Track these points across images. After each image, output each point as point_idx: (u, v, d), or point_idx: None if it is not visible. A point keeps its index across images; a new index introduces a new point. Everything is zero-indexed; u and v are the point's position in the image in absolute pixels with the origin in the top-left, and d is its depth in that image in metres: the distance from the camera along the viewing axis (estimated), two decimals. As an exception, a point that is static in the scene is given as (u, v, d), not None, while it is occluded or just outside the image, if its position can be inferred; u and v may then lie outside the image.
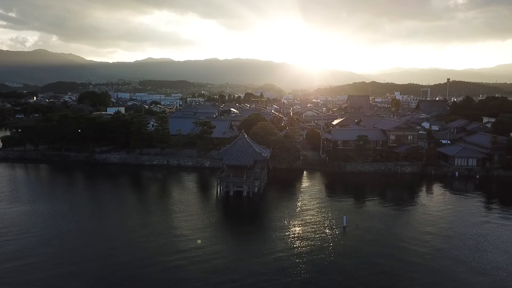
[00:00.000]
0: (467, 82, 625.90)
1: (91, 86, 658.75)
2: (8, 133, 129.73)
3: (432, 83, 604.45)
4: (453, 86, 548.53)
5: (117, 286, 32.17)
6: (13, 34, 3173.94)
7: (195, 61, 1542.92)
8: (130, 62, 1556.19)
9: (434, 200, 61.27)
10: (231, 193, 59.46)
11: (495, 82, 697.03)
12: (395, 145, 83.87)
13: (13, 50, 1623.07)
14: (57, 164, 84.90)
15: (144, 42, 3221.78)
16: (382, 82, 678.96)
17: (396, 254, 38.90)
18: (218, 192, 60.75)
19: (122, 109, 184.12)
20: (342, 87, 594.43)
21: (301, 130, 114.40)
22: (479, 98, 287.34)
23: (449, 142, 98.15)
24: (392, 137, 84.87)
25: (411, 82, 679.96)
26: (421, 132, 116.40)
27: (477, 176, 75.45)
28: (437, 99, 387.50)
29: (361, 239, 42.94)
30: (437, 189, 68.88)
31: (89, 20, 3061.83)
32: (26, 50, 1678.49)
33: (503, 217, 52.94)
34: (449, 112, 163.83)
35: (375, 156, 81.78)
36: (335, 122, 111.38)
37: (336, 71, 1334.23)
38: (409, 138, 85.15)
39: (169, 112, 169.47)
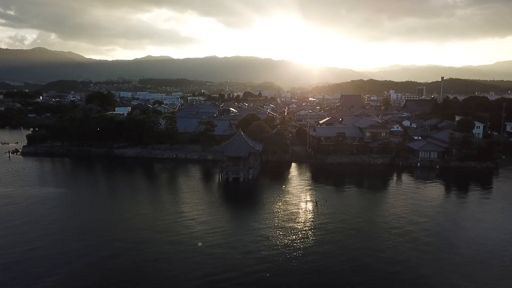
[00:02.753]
0: (464, 79, 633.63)
1: (91, 84, 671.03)
2: (25, 131, 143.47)
3: (430, 80, 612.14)
4: (450, 83, 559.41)
5: (139, 243, 46.40)
6: (11, 32, 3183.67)
7: (194, 59, 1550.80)
8: (129, 60, 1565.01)
9: (395, 184, 76.01)
10: (230, 179, 74.02)
11: (493, 79, 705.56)
12: (370, 140, 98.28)
13: (12, 48, 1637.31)
14: (81, 158, 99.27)
15: (143, 40, 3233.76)
16: (381, 79, 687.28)
17: (345, 217, 53.38)
18: (220, 178, 75.37)
19: (129, 109, 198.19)
20: (340, 85, 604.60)
21: (293, 128, 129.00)
22: (464, 96, 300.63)
23: (420, 138, 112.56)
24: (368, 134, 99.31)
25: (409, 80, 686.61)
26: (399, 129, 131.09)
27: (437, 167, 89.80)
28: (432, 96, 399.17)
29: (326, 209, 57.34)
30: (400, 176, 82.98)
31: (88, 18, 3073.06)
32: (25, 49, 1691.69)
33: (444, 195, 67.43)
34: (431, 111, 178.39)
35: (352, 150, 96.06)
36: (322, 121, 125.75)
37: (335, 68, 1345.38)
38: (382, 134, 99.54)
39: (172, 111, 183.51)
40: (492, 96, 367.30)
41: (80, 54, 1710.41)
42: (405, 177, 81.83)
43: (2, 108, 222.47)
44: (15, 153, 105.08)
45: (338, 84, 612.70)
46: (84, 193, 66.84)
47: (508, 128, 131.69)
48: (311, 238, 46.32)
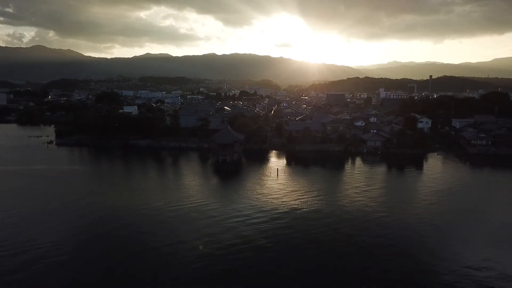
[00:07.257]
0: (458, 76, 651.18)
1: (92, 83, 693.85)
2: (44, 127, 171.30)
3: (426, 78, 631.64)
4: (444, 81, 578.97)
5: (144, 214, 73.23)
6: (10, 30, 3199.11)
7: (193, 56, 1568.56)
8: (128, 57, 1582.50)
9: (343, 164, 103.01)
10: (219, 160, 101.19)
11: (487, 76, 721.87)
12: (331, 133, 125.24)
13: (11, 46, 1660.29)
14: (104, 148, 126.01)
15: (141, 38, 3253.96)
16: (378, 76, 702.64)
17: (296, 183, 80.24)
18: (212, 160, 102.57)
19: (135, 108, 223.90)
20: (337, 82, 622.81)
21: (273, 124, 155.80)
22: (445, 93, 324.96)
23: (375, 131, 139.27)
24: (329, 128, 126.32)
25: (406, 77, 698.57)
26: (363, 124, 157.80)
27: (379, 152, 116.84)
28: (424, 94, 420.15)
29: (284, 178, 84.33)
30: (349, 159, 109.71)
31: (86, 15, 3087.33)
32: (24, 46, 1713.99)
33: (384, 170, 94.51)
34: (400, 109, 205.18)
35: (316, 140, 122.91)
36: (297, 118, 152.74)
37: (333, 65, 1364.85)
38: (340, 128, 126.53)
39: (174, 110, 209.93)
40: (478, 94, 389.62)
41: (79, 51, 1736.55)
42: (353, 159, 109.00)
43: (21, 107, 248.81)
44: (50, 144, 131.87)
45: (334, 82, 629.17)
46: (113, 170, 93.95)
47: (453, 123, 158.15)
48: (265, 191, 73.52)
